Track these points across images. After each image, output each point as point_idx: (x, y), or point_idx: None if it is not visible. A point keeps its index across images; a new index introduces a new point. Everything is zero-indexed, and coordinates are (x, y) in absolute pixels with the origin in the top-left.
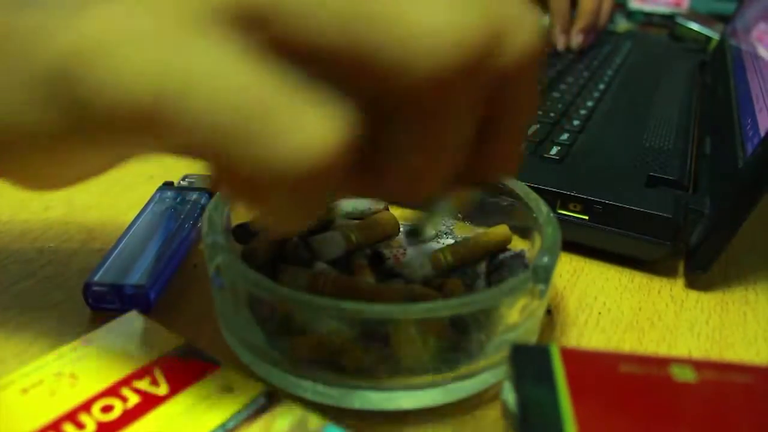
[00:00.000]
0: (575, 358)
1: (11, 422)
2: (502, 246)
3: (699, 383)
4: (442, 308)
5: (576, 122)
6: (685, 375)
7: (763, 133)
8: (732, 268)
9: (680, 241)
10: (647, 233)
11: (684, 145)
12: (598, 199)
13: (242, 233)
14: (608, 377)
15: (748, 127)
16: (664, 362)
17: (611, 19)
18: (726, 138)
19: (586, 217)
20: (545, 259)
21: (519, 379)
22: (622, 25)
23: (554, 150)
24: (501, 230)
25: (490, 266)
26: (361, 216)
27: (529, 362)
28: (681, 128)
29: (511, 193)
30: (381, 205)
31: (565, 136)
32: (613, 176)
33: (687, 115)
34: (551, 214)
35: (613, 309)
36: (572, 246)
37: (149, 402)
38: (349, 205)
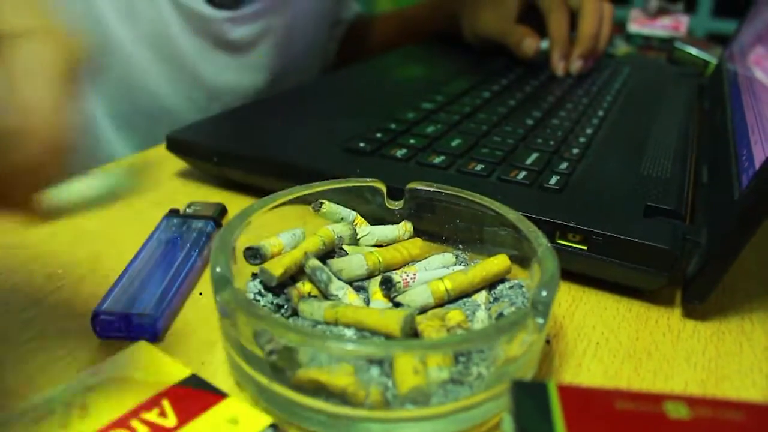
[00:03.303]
0: (572, 395)
1: None
2: (502, 276)
3: (692, 420)
4: (443, 344)
5: (575, 150)
6: (678, 412)
7: (758, 166)
8: (728, 298)
9: (677, 271)
10: (645, 264)
11: (681, 174)
12: (597, 230)
13: (253, 255)
14: (604, 414)
15: (744, 158)
16: (658, 399)
17: (610, 42)
18: (722, 168)
19: (585, 248)
20: (544, 294)
21: (518, 414)
22: (622, 48)
23: (554, 180)
24: (501, 260)
25: (490, 296)
26: (390, 243)
27: (528, 398)
28: (678, 156)
29: (511, 225)
30: (407, 234)
31: (564, 165)
32: (612, 206)
33: (684, 143)
34: (550, 247)
35: (611, 339)
36: (571, 275)
37: None
38: (378, 232)
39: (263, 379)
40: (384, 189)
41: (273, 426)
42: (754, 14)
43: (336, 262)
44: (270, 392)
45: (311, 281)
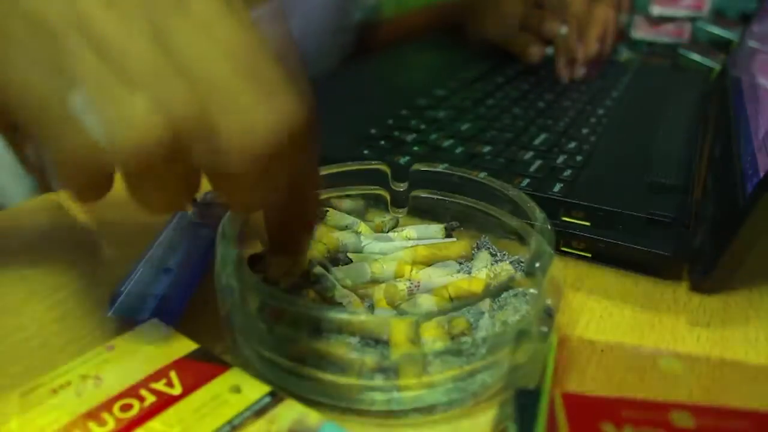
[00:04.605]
0: (577, 403)
1: (41, 420)
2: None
3: (697, 429)
4: (436, 313)
5: (579, 158)
6: (683, 421)
7: (761, 174)
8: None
9: (682, 245)
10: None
11: (689, 153)
12: (600, 206)
13: (257, 263)
14: (609, 422)
15: (747, 165)
16: (664, 408)
17: (615, 48)
18: (728, 146)
19: (589, 224)
20: (537, 265)
21: (522, 423)
22: (626, 54)
23: (557, 187)
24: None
25: (494, 304)
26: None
27: (533, 407)
28: (683, 165)
29: (511, 202)
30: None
31: (568, 172)
32: (617, 183)
33: (688, 151)
34: (545, 219)
35: (615, 312)
36: (578, 251)
37: (164, 401)
38: (379, 246)
39: (266, 352)
40: (388, 171)
41: (271, 393)
42: (758, 20)
43: (340, 270)
44: (272, 365)
45: (315, 288)
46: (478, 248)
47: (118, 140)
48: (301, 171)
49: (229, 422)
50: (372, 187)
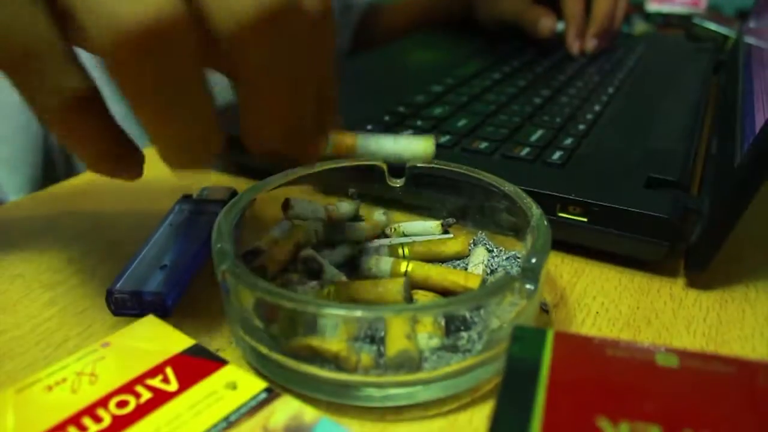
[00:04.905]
0: (566, 340)
1: (36, 416)
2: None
3: (681, 369)
4: (432, 307)
5: (581, 126)
6: (668, 361)
7: (757, 131)
8: (734, 266)
9: (678, 240)
10: (645, 234)
11: (688, 147)
12: (597, 202)
13: (253, 258)
14: (592, 357)
15: (747, 126)
16: (650, 350)
17: (628, 21)
18: (728, 138)
19: (585, 220)
20: (533, 260)
21: (511, 352)
22: (641, 27)
23: (557, 155)
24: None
25: (491, 300)
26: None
27: (525, 339)
28: (687, 130)
29: (507, 198)
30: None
31: (569, 140)
32: (614, 178)
33: (694, 117)
34: (542, 216)
35: (611, 308)
36: (574, 248)
37: (160, 397)
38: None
39: (261, 348)
40: (385, 167)
41: (268, 390)
42: (754, 17)
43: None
44: (268, 361)
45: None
46: (475, 244)
47: (110, 26)
48: (312, 55)
49: (225, 418)
50: (368, 184)
